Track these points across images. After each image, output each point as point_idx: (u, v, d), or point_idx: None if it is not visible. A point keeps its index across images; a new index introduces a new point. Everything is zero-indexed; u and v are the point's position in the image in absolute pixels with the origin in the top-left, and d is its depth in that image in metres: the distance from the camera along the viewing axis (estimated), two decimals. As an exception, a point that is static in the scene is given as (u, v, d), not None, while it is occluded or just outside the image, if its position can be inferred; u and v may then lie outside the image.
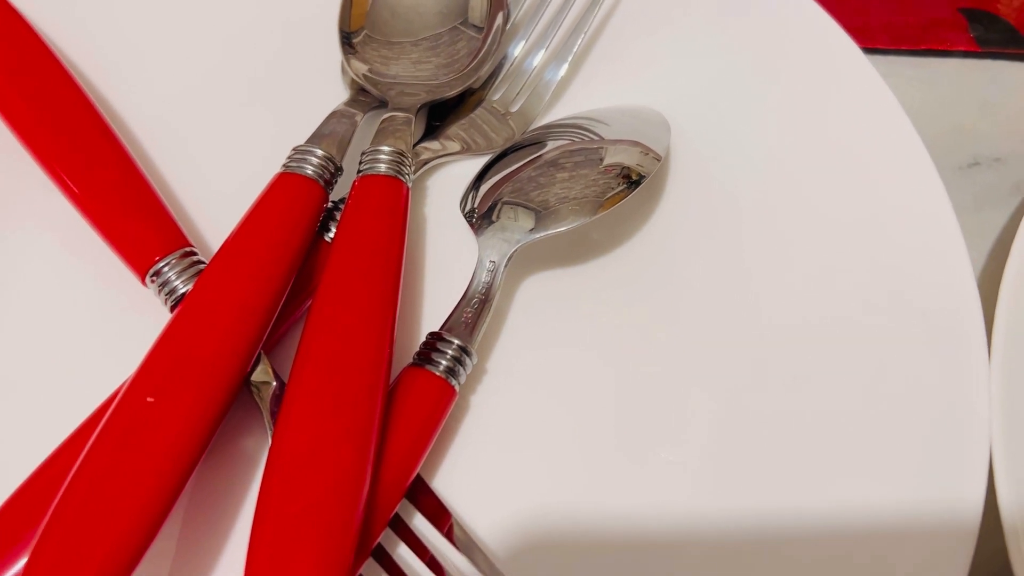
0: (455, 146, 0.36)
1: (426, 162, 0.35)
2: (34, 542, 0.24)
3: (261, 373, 0.29)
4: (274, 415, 0.28)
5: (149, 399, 0.26)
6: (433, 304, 0.33)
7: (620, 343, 0.33)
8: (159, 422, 0.25)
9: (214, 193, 0.33)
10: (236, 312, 0.28)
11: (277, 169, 0.31)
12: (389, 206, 0.31)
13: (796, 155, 0.36)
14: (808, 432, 0.31)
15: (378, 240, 0.30)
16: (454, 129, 0.36)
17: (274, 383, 0.29)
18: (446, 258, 0.34)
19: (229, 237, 0.30)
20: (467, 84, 0.36)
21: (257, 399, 0.29)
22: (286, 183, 0.31)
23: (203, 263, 0.30)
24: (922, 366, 0.31)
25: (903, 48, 0.44)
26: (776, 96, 0.37)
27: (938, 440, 0.30)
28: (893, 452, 0.30)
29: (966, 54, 0.44)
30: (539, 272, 0.34)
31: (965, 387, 0.31)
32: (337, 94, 0.36)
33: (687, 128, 0.36)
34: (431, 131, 0.36)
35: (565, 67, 0.37)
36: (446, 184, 0.35)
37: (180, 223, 0.31)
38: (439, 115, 0.37)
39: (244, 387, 0.28)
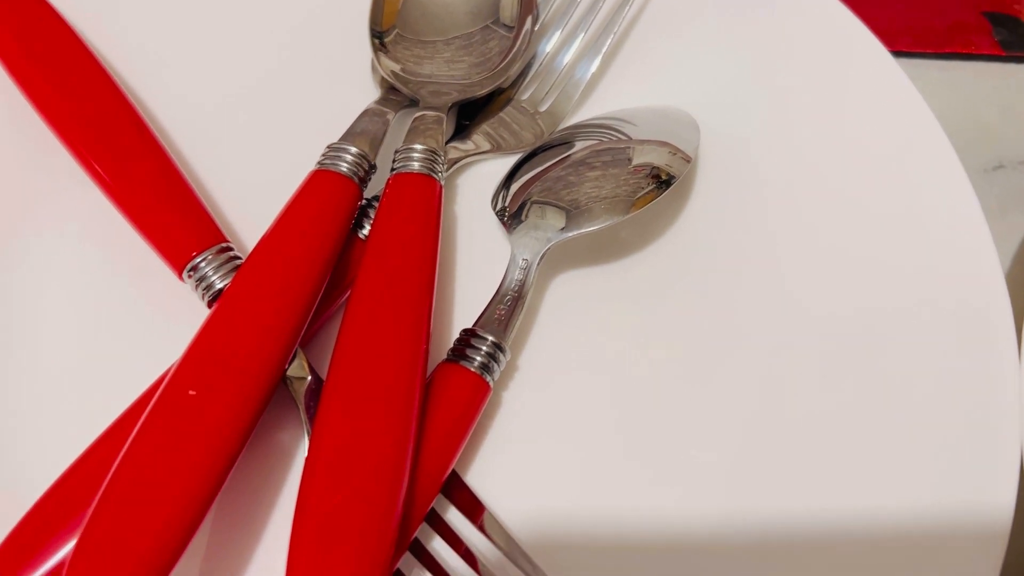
0: (485, 145, 0.36)
1: (456, 161, 0.35)
2: (77, 535, 0.24)
3: (297, 368, 0.29)
4: (309, 409, 0.29)
5: (191, 392, 0.26)
6: (465, 301, 0.33)
7: (650, 340, 0.33)
8: (201, 414, 0.26)
9: (249, 189, 0.34)
10: (273, 307, 0.28)
11: (311, 166, 0.32)
12: (423, 204, 0.31)
13: (825, 156, 0.36)
14: (837, 432, 0.31)
15: (413, 237, 0.30)
16: (484, 128, 0.37)
17: (309, 378, 0.29)
18: (478, 256, 0.34)
19: (266, 233, 0.30)
20: (497, 83, 0.36)
21: (293, 393, 0.29)
22: (321, 180, 0.31)
23: (240, 259, 0.30)
24: (952, 367, 0.31)
25: (927, 51, 0.44)
26: (805, 97, 0.37)
27: (968, 440, 0.30)
28: (923, 452, 0.30)
29: (989, 57, 0.44)
30: (568, 271, 0.34)
31: (995, 387, 0.31)
32: (366, 92, 0.36)
33: (716, 129, 0.36)
34: (460, 130, 0.37)
35: (594, 66, 0.37)
36: (476, 183, 0.35)
37: (216, 219, 0.31)
38: (468, 114, 0.37)
39: (280, 382, 0.29)
